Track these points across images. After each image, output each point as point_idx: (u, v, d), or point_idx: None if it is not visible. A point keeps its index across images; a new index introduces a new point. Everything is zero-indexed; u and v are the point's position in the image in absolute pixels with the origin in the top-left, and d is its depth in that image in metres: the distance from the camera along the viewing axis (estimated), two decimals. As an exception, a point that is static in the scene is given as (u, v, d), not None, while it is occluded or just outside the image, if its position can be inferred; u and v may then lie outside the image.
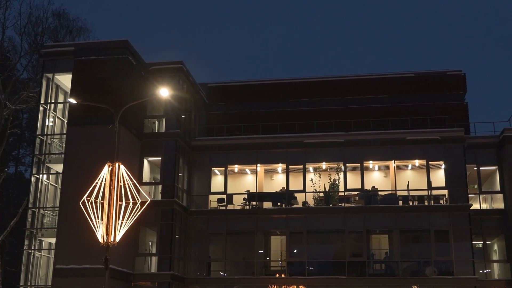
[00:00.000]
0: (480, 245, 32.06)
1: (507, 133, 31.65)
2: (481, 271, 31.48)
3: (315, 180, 32.93)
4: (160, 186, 31.76)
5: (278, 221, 32.35)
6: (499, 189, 32.33)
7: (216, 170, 34.34)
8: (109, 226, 17.78)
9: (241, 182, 34.94)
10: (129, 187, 18.36)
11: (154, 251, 31.90)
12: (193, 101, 35.23)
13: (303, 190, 32.58)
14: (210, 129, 36.20)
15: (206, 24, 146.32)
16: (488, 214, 32.09)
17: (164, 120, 32.94)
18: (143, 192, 27.98)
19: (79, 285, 26.90)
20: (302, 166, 33.02)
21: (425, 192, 31.79)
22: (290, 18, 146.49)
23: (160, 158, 31.99)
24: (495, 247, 33.48)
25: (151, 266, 31.55)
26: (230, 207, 32.98)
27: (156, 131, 33.34)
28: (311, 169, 33.83)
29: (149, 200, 20.73)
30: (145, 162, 32.21)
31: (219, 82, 39.50)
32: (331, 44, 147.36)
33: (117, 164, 18.28)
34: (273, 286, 30.89)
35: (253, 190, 33.25)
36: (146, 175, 32.37)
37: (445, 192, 31.51)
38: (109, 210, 17.81)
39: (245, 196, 33.17)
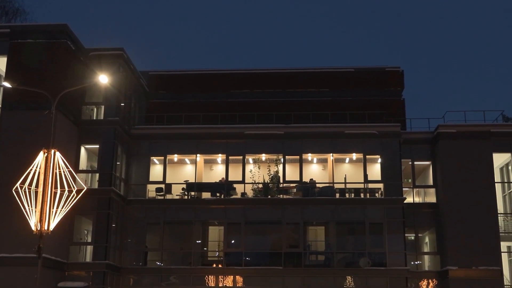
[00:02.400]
0: (412, 238, 33.02)
1: (441, 130, 32.64)
2: (412, 263, 32.45)
3: (254, 172, 33.12)
4: (97, 174, 31.22)
5: (216, 212, 32.37)
6: (432, 184, 33.34)
7: (155, 159, 34.05)
8: (43, 214, 17.40)
9: (180, 172, 34.77)
10: (64, 175, 18.02)
11: (89, 240, 31.41)
12: (133, 89, 34.76)
13: (242, 181, 32.70)
14: (150, 117, 35.81)
15: (150, 12, 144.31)
16: (420, 208, 33.06)
17: (103, 107, 32.38)
18: (79, 180, 27.50)
19: (11, 274, 26.24)
20: (241, 157, 33.12)
21: (362, 185, 32.47)
22: (237, 9, 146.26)
23: (98, 146, 31.44)
24: (427, 240, 34.57)
25: (86, 255, 31.07)
26: (168, 196, 32.77)
27: (95, 118, 32.74)
28: (250, 160, 34.00)
29: (85, 188, 20.39)
30: (82, 150, 31.61)
31: (160, 71, 39.08)
32: (274, 36, 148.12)
33: (52, 151, 17.89)
34: (210, 276, 30.94)
35: (192, 180, 33.15)
36: (83, 163, 31.78)
37: (381, 185, 32.28)
38: (43, 197, 17.43)
39: (184, 186, 33.01)
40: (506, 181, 33.61)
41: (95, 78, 26.69)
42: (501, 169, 33.98)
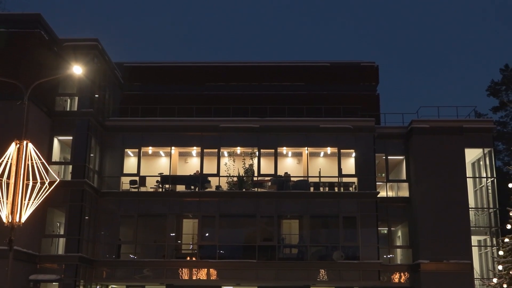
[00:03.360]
0: (385, 231, 33.35)
1: (414, 125, 32.96)
2: (385, 256, 32.80)
3: (229, 165, 33.11)
4: (70, 166, 30.94)
5: (190, 205, 32.31)
6: (405, 178, 33.68)
7: (129, 151, 33.82)
8: (15, 206, 17.17)
9: (155, 164, 34.61)
10: (37, 166, 17.80)
11: (62, 232, 31.14)
12: (108, 81, 34.45)
13: (217, 174, 32.66)
14: (124, 109, 35.54)
15: (126, 4, 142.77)
16: (393, 202, 33.40)
17: (76, 98, 32.06)
18: (52, 172, 27.15)
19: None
20: (216, 150, 33.06)
21: (336, 179, 32.66)
22: (213, 2, 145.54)
23: (71, 138, 31.12)
24: (399, 234, 34.94)
25: (58, 248, 30.79)
26: (142, 189, 32.60)
27: (68, 110, 32.39)
28: (225, 154, 33.97)
29: (58, 180, 20.17)
30: (55, 141, 31.29)
31: (135, 62, 38.80)
32: (250, 29, 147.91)
33: (25, 142, 17.66)
34: (183, 269, 30.90)
35: (166, 172, 33.01)
36: (56, 155, 31.46)
37: (355, 179, 32.50)
38: (15, 189, 17.19)
39: (158, 178, 32.87)
40: (477, 176, 34.09)
41: (69, 69, 26.36)
42: (473, 164, 34.46)
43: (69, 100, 32.72)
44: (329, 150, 33.66)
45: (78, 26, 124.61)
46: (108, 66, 33.96)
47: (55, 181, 19.17)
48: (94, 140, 31.79)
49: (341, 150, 32.91)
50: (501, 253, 15.09)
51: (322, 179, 32.88)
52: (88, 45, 31.81)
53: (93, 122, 31.42)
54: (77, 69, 21.10)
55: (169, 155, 33.61)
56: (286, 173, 33.13)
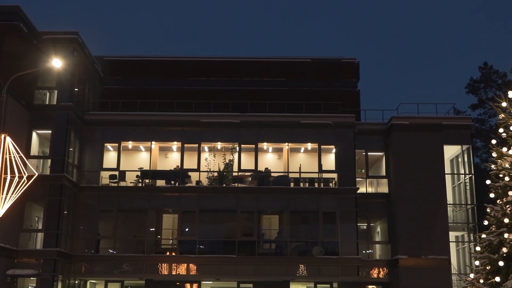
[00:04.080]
0: (365, 227, 33.56)
1: (394, 121, 33.18)
2: (364, 252, 33.02)
3: (209, 160, 33.06)
4: (49, 160, 30.67)
5: (170, 199, 32.22)
6: (384, 174, 33.90)
7: (109, 146, 33.62)
8: (-8, 200, 17.00)
9: (135, 159, 34.44)
10: (15, 160, 17.63)
11: (40, 227, 30.87)
12: (88, 74, 34.17)
13: (197, 169, 32.60)
14: (104, 103, 35.30)
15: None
16: (373, 198, 33.60)
17: (56, 92, 31.76)
18: (30, 165, 26.91)
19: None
20: (197, 145, 33.01)
21: (316, 175, 32.78)
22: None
23: (50, 131, 30.86)
24: (378, 229, 35.18)
25: (36, 242, 30.53)
26: (122, 184, 32.42)
27: (47, 103, 32.08)
28: (206, 149, 33.91)
29: (37, 174, 20.03)
30: (34, 135, 30.99)
31: (116, 56, 38.53)
32: (233, 25, 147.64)
33: (3, 135, 17.48)
34: (163, 264, 30.83)
35: (146, 167, 32.88)
36: (35, 148, 31.16)
37: (335, 175, 32.64)
38: (-7, 183, 17.03)
39: (138, 173, 32.72)
40: (456, 172, 34.42)
41: (49, 62, 26.13)
42: (451, 160, 34.79)
43: (48, 93, 32.40)
44: (309, 145, 33.75)
45: (58, 19, 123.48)
46: (88, 59, 33.68)
47: (34, 175, 19.03)
48: (74, 134, 31.54)
49: (322, 146, 33.03)
50: (478, 248, 15.25)
51: (302, 175, 32.98)
52: (67, 38, 31.52)
53: (73, 116, 31.17)
54: (57, 62, 20.93)
55: (149, 149, 33.47)
56: (266, 168, 33.17)
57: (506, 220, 14.34)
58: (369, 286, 32.87)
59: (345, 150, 32.68)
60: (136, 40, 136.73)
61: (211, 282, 32.58)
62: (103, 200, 31.98)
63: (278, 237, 32.43)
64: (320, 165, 32.71)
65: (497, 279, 14.14)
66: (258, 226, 32.15)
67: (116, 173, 32.38)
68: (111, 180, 32.37)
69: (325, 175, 32.82)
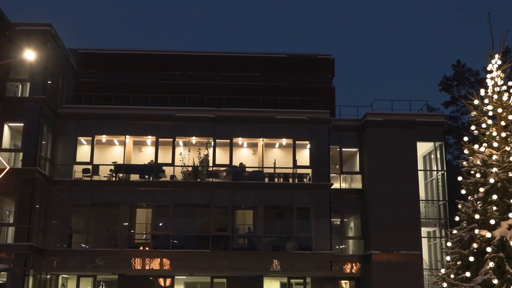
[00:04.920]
0: (338, 222, 33.76)
1: (368, 118, 33.40)
2: (337, 247, 33.24)
3: (184, 154, 32.93)
4: (21, 154, 30.26)
5: (144, 194, 32.04)
6: (358, 170, 34.13)
7: (82, 139, 33.29)
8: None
9: (109, 153, 34.16)
10: (-15, 153, 17.38)
11: (11, 221, 30.45)
12: (61, 67, 33.76)
13: (172, 164, 32.46)
14: (78, 97, 34.91)
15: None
16: (347, 193, 33.80)
17: (28, 84, 31.33)
18: (1, 159, 26.61)
19: None
20: (172, 139, 32.85)
21: (290, 170, 32.87)
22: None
23: (22, 124, 30.44)
24: (352, 225, 35.43)
25: (7, 237, 30.14)
26: (95, 178, 32.15)
27: (19, 96, 31.65)
28: (180, 143, 33.76)
29: (8, 167, 19.78)
30: (6, 128, 30.55)
31: (90, 49, 38.12)
32: (208, 19, 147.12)
33: (-27, 127, 17.22)
34: (136, 259, 30.66)
35: (120, 161, 32.65)
36: (6, 141, 30.71)
37: (309, 171, 32.77)
38: (-38, 176, 16.77)
39: (112, 167, 32.48)
40: (428, 169, 34.80)
41: (21, 54, 25.78)
42: (424, 157, 35.17)
43: (20, 85, 31.95)
44: (284, 141, 33.82)
45: (31, 10, 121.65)
46: (61, 52, 33.27)
47: (5, 169, 18.79)
48: (46, 127, 31.16)
49: (296, 142, 33.11)
50: (449, 244, 15.43)
51: (277, 170, 33.04)
52: (41, 30, 31.10)
53: (45, 109, 30.79)
54: (29, 54, 20.70)
55: (123, 143, 33.23)
56: (241, 163, 33.17)
57: (477, 216, 14.53)
58: (342, 281, 33.13)
59: (319, 146, 32.80)
60: (111, 33, 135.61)
61: (184, 277, 32.52)
62: (76, 194, 31.68)
63: (252, 232, 32.47)
64: (294, 161, 32.81)
65: (467, 274, 14.33)
66: (232, 221, 32.14)
67: (90, 167, 32.09)
68: (84, 174, 32.07)
69: (299, 171, 32.93)
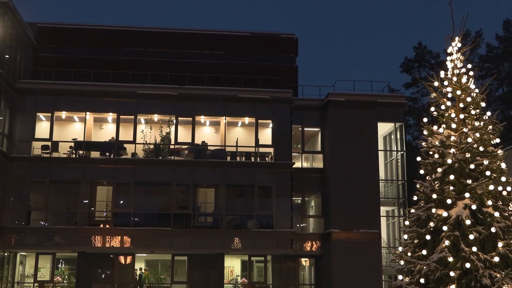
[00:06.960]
0: (299, 201, 34.07)
1: (331, 98, 33.61)
2: (298, 225, 33.58)
3: (146, 132, 32.66)
4: (-22, 129, 29.60)
5: (105, 171, 31.73)
6: (320, 150, 34.41)
7: (41, 115, 32.67)
8: None
9: (68, 129, 33.64)
10: None
11: (-33, 198, 29.86)
12: (19, 41, 32.94)
13: (133, 141, 32.18)
14: (37, 72, 34.14)
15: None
16: (308, 173, 34.10)
17: (-15, 58, 30.53)
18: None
19: None
20: (133, 116, 32.51)
21: (253, 149, 32.94)
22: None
23: (-22, 99, 29.74)
24: (312, 203, 35.81)
25: (-37, 213, 29.55)
26: (55, 155, 31.66)
27: (-24, 70, 30.82)
28: (142, 121, 33.46)
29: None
30: (-39, 102, 29.78)
31: (50, 23, 37.25)
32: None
33: None
34: (96, 236, 30.43)
35: (80, 138, 32.19)
36: (-38, 117, 29.98)
37: (271, 150, 32.89)
38: None
39: (72, 144, 32.01)
40: (388, 149, 35.29)
41: (-23, 26, 25.04)
42: (385, 137, 35.65)
43: (-23, 59, 31.10)
44: (246, 120, 33.81)
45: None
46: (19, 25, 32.43)
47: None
48: (4, 102, 30.45)
49: (259, 121, 33.14)
50: (407, 223, 15.71)
51: (239, 149, 33.07)
52: (-2, 3, 30.24)
53: (3, 84, 30.07)
54: (-14, 27, 20.09)
55: (83, 120, 32.74)
56: (203, 142, 33.08)
57: (434, 196, 14.81)
58: (302, 259, 33.53)
59: (281, 125, 32.91)
60: (72, 7, 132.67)
61: (145, 255, 32.45)
62: (35, 171, 31.17)
63: (214, 210, 32.53)
64: (256, 140, 32.87)
65: (424, 252, 14.63)
66: (194, 199, 32.11)
67: (49, 143, 31.58)
68: (43, 151, 31.55)
69: (261, 150, 33.03)
